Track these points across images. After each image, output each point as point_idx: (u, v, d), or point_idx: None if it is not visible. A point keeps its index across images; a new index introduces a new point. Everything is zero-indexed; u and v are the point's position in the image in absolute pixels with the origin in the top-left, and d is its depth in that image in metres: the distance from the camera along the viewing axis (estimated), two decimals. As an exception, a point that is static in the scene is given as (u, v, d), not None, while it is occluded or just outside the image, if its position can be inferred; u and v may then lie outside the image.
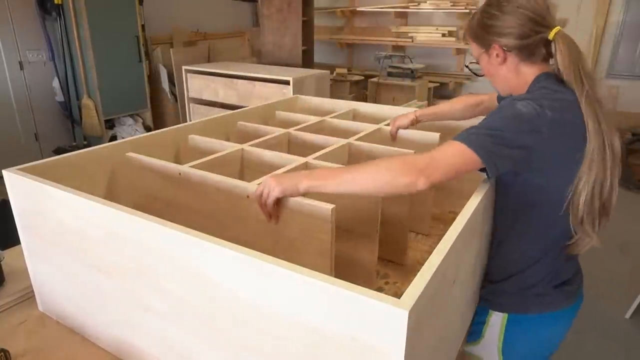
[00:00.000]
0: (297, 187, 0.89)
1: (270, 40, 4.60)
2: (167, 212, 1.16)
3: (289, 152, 1.49)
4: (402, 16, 6.14)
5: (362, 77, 5.66)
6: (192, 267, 0.74)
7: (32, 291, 1.14)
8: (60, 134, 4.27)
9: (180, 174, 1.11)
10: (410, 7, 5.91)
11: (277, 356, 0.70)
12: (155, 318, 0.86)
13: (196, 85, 3.66)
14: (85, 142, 4.18)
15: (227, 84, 3.44)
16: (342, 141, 1.40)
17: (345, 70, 5.68)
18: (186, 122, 1.76)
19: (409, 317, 0.54)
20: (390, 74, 5.31)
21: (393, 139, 1.54)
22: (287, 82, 3.07)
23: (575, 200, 0.97)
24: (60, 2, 3.79)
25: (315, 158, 1.24)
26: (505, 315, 1.14)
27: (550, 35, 0.99)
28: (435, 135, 1.48)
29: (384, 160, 0.89)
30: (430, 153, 0.89)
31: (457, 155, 0.88)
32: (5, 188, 1.04)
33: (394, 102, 5.04)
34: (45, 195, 0.95)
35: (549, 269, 1.09)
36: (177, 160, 1.47)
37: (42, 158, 1.11)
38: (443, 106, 1.53)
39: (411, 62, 5.48)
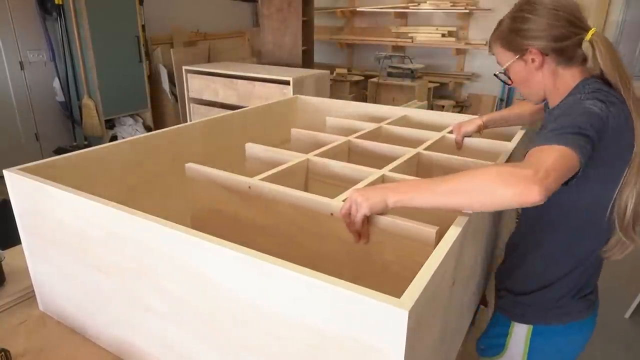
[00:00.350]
0: (386, 202, 0.79)
1: (270, 40, 4.61)
2: (231, 227, 1.08)
3: (349, 161, 1.39)
4: (402, 16, 6.14)
5: (362, 77, 5.66)
6: (193, 267, 0.74)
7: (33, 291, 1.14)
8: (60, 134, 4.27)
9: (250, 187, 1.01)
10: (410, 7, 5.91)
11: (277, 356, 0.70)
12: (156, 318, 0.86)
13: (196, 85, 3.67)
14: (85, 142, 4.18)
15: (227, 84, 3.44)
16: (412, 151, 1.29)
17: (345, 71, 5.68)
18: (186, 122, 1.76)
19: (409, 317, 0.54)
20: (390, 74, 5.31)
21: (459, 147, 1.42)
22: (287, 82, 3.07)
23: (621, 207, 0.94)
24: (60, 2, 3.79)
25: (390, 170, 1.13)
26: (530, 326, 1.10)
27: (587, 37, 0.94)
28: (507, 145, 1.34)
29: (483, 169, 0.76)
30: (532, 159, 0.78)
31: (564, 157, 0.78)
32: (6, 188, 1.04)
33: (394, 102, 5.04)
34: (45, 195, 0.95)
35: (576, 282, 1.06)
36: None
37: (43, 158, 1.11)
38: (510, 111, 1.43)
39: (411, 62, 5.48)
